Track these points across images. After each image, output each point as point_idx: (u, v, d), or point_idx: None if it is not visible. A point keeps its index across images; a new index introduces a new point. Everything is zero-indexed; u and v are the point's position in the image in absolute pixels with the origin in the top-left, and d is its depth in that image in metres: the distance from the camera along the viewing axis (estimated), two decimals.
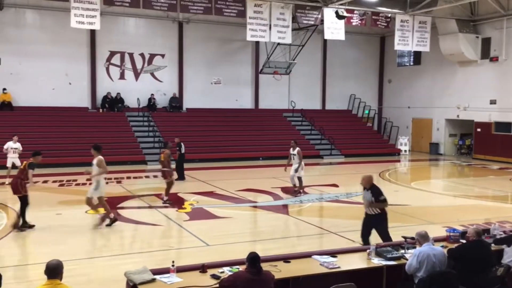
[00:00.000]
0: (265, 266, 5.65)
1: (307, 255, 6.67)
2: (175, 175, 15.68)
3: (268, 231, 11.25)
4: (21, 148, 16.80)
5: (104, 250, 9.91)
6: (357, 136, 28.76)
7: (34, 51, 24.25)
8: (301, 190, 15.17)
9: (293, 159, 14.95)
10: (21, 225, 10.65)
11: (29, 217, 10.85)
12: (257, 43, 27.68)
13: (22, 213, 10.72)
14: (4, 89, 23.83)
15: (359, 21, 24.04)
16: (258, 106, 29.52)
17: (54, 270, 4.80)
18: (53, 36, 24.53)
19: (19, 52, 23.72)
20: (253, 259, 5.38)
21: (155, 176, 19.48)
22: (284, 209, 13.34)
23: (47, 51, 24.51)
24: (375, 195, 8.50)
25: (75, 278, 6.73)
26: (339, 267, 6.21)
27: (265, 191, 15.90)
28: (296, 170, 14.86)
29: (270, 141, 25.84)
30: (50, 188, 16.21)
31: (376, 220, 8.57)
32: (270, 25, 21.70)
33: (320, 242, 10.63)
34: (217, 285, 5.47)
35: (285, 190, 15.90)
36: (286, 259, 6.45)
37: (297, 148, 14.94)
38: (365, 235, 8.67)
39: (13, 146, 16.62)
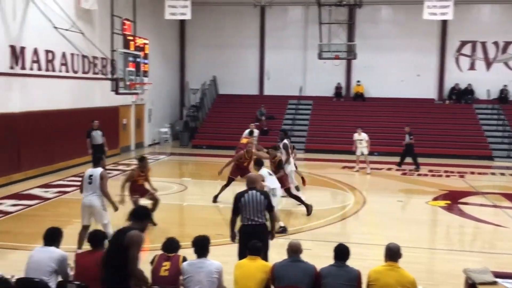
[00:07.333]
0: None
1: None
2: None
3: None
4: (366, 139, 17.63)
5: (443, 243, 9.86)
6: None
7: (386, 45, 25.55)
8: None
9: None
10: None
11: (373, 201, 11.49)
12: None
13: None
14: (358, 81, 26.07)
15: None
16: None
17: (396, 254, 5.12)
18: (404, 29, 25.32)
19: (372, 47, 25.37)
20: None
21: (502, 174, 18.15)
22: None
23: (397, 45, 25.48)
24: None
25: (413, 265, 6.88)
26: None
27: None
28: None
29: None
30: (393, 175, 17.00)
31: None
32: None
33: None
34: None
35: None
36: None
37: None
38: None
39: (357, 138, 17.72)
